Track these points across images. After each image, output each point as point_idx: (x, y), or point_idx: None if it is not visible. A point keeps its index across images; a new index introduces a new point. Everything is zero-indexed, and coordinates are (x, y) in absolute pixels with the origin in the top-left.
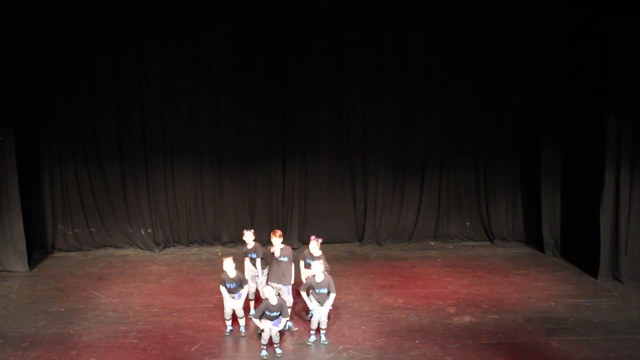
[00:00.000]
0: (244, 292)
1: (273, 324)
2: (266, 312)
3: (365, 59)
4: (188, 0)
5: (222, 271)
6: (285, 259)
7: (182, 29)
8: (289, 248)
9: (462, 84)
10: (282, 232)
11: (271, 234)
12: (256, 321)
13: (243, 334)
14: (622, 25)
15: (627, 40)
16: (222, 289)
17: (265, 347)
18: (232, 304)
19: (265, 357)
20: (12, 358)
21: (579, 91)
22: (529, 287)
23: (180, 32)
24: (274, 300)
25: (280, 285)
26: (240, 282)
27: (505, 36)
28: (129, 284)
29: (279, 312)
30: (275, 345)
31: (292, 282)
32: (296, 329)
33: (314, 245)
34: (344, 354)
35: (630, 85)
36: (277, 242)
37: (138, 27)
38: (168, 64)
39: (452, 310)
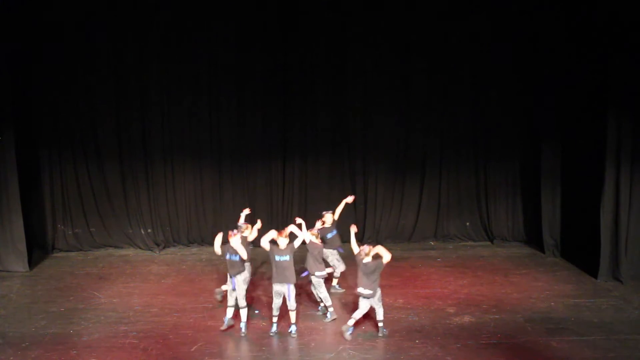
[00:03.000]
0: (239, 280)
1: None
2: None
3: (365, 59)
4: (188, 0)
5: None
6: (287, 258)
7: (183, 29)
8: (291, 245)
9: (462, 84)
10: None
11: (277, 234)
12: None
13: (243, 334)
14: (622, 25)
15: (627, 40)
16: (220, 289)
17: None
18: (231, 290)
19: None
20: (12, 358)
21: (579, 91)
22: (529, 287)
23: (180, 32)
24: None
25: (284, 287)
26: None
27: (505, 36)
28: (129, 284)
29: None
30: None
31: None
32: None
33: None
34: (344, 354)
35: (630, 85)
36: (282, 242)
37: (138, 27)
38: (168, 64)
39: (452, 310)
